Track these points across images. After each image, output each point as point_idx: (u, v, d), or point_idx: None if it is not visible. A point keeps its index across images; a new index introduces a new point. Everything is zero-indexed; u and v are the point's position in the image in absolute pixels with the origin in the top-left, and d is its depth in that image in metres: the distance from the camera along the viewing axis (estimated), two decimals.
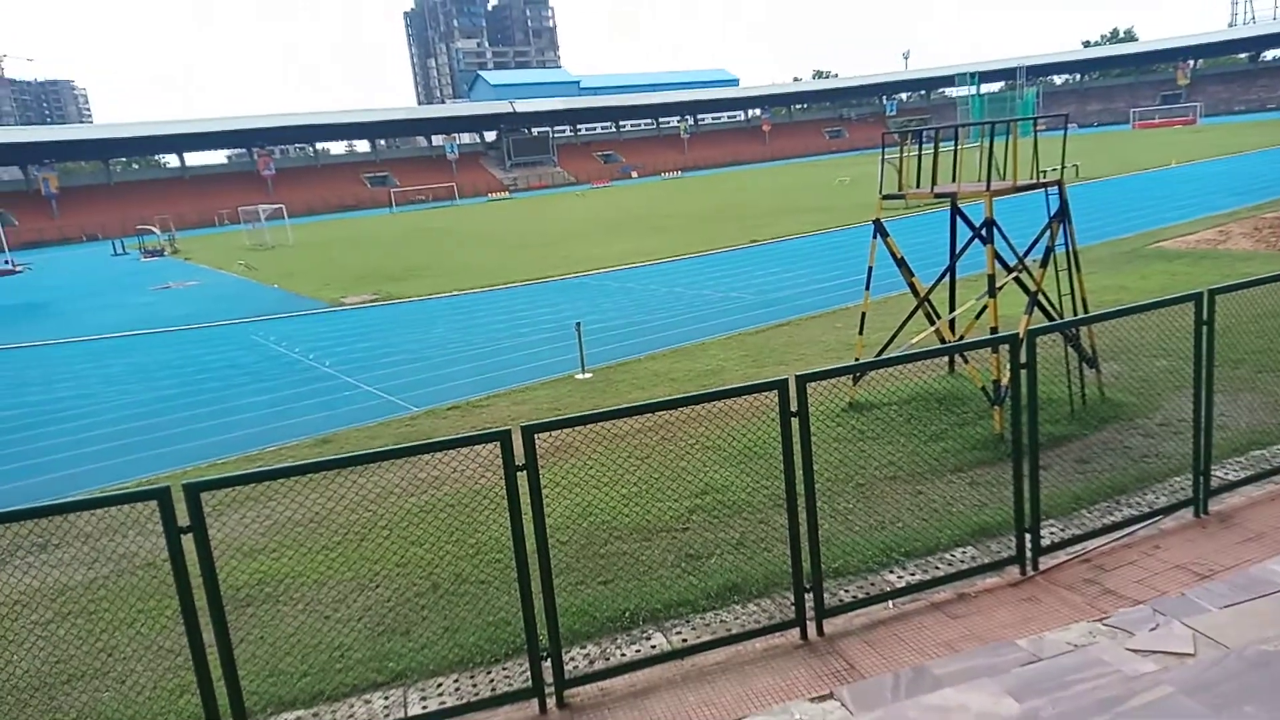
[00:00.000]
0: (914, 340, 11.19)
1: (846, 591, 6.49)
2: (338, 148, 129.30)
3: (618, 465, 9.13)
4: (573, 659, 5.83)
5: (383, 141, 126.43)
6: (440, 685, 5.79)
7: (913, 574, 6.69)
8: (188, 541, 4.88)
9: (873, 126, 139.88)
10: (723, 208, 51.78)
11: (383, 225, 69.06)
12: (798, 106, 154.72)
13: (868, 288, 11.43)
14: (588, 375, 14.90)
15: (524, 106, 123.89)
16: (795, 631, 5.97)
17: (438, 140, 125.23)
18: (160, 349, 22.58)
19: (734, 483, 8.54)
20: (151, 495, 4.81)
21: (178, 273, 44.80)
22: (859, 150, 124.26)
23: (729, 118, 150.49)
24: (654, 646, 5.96)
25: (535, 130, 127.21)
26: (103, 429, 14.88)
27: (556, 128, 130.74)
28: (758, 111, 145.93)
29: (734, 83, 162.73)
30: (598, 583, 6.90)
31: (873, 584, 6.60)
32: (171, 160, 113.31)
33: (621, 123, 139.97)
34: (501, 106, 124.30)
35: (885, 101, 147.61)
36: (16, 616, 7.58)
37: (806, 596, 5.96)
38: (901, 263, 11.09)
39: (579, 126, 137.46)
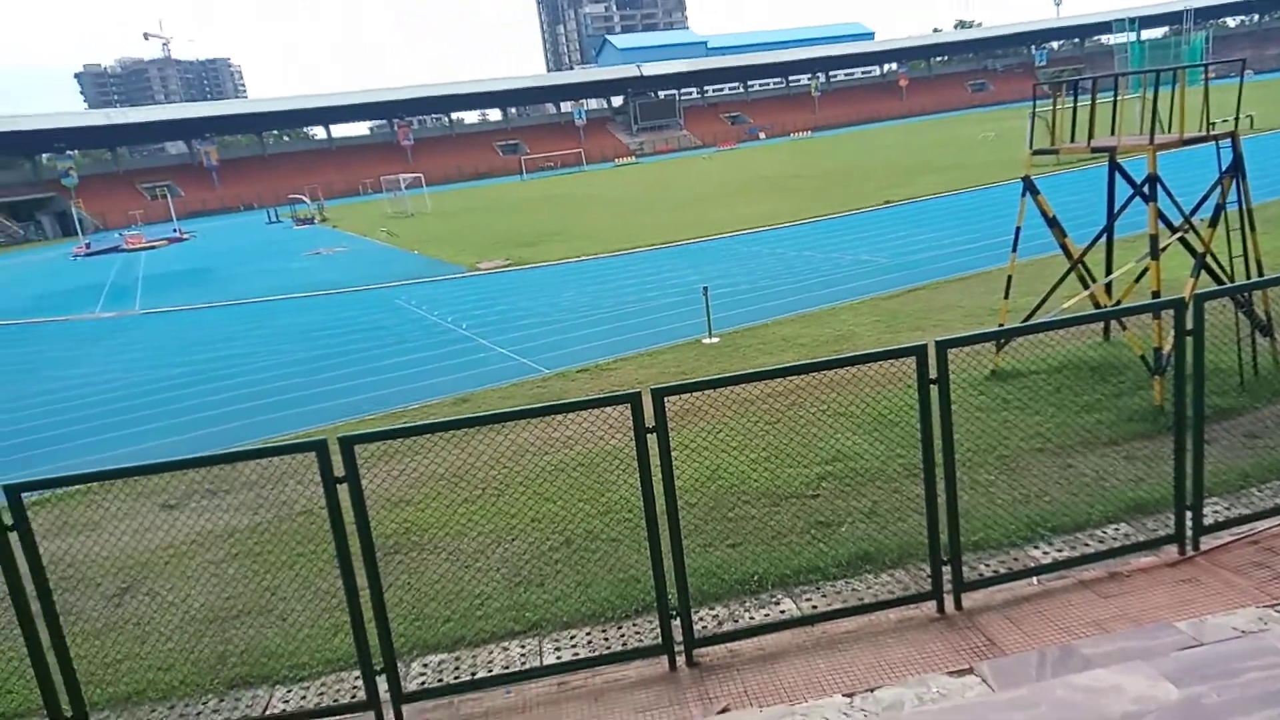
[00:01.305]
0: (1065, 305, 10.53)
1: (987, 566, 6.25)
2: (472, 117, 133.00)
3: (746, 430, 9.11)
4: (701, 619, 5.89)
5: (514, 110, 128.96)
6: (573, 637, 5.97)
7: (1059, 550, 6.36)
8: (342, 491, 5.18)
9: (1020, 79, 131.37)
10: (855, 168, 50.16)
11: (514, 192, 70.73)
12: (937, 60, 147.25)
13: (1015, 249, 10.83)
14: (715, 340, 14.85)
15: (650, 70, 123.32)
16: (931, 604, 5.81)
17: (566, 107, 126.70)
18: (312, 311, 24.05)
19: (866, 451, 8.34)
20: (310, 447, 5.13)
21: (326, 239, 47.41)
22: (1004, 104, 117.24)
23: (863, 74, 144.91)
24: (783, 612, 5.94)
25: (661, 93, 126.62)
26: (263, 385, 16.02)
27: (683, 90, 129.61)
28: (894, 66, 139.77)
29: (868, 37, 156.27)
30: (726, 545, 6.92)
31: (1015, 559, 6.33)
32: (319, 132, 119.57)
33: (749, 83, 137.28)
34: (628, 71, 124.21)
35: (1034, 51, 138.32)
36: (193, 555, 8.33)
37: (944, 569, 5.78)
38: (1053, 222, 10.43)
39: (706, 88, 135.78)
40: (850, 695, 4.60)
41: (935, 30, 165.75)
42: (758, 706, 4.80)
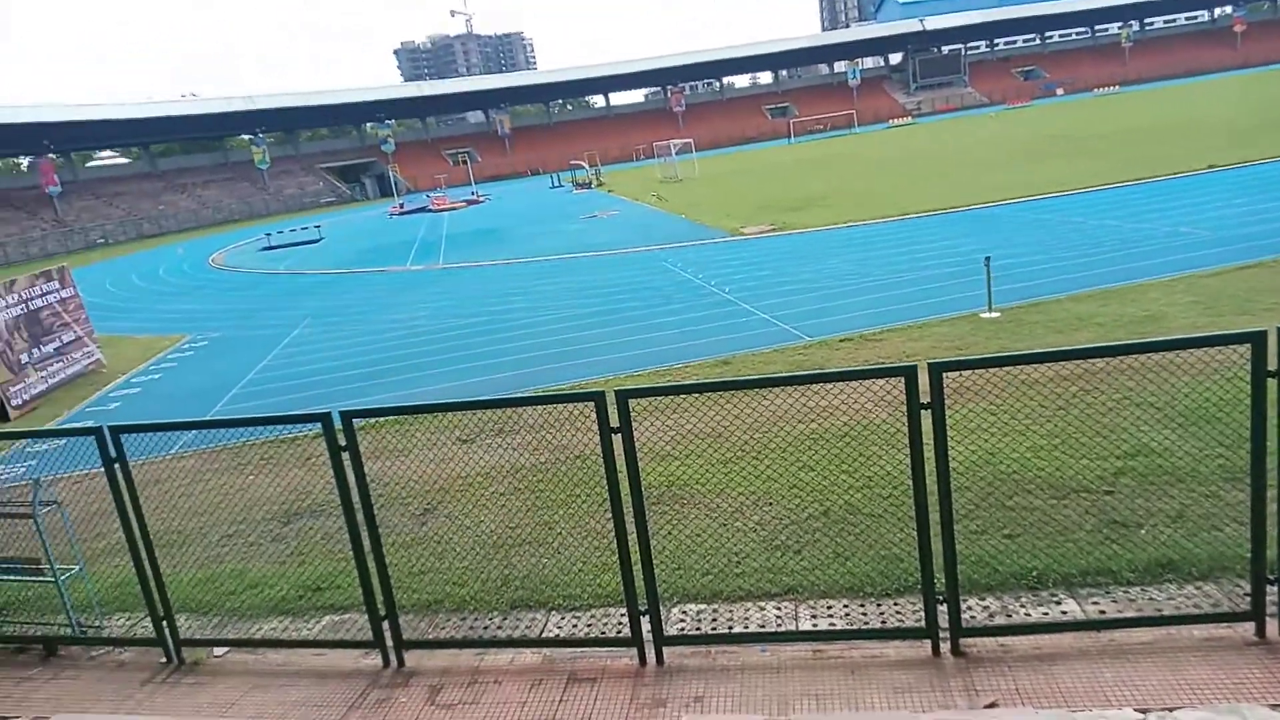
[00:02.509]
0: None
1: None
2: (742, 81, 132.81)
3: (1028, 414, 8.42)
4: (970, 608, 5.60)
5: (784, 72, 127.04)
6: (830, 607, 5.93)
7: None
8: (616, 441, 5.48)
9: None
10: (1172, 126, 44.00)
11: (781, 156, 69.97)
12: None
13: None
14: (995, 314, 13.83)
15: (935, 23, 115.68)
16: (1249, 626, 5.09)
17: (840, 67, 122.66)
18: (589, 271, 25.52)
19: (1175, 447, 7.41)
20: (589, 398, 5.47)
21: (602, 203, 49.90)
22: None
23: (1186, 19, 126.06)
24: (1064, 612, 5.48)
25: (945, 48, 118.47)
26: (544, 337, 17.32)
27: (969, 44, 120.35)
28: (1228, 9, 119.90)
29: None
30: (1001, 535, 6.49)
31: None
32: (599, 101, 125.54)
33: (1047, 34, 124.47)
34: (910, 25, 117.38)
35: None
36: (482, 486, 9.26)
37: (1269, 589, 5.03)
38: None
39: (996, 41, 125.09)
40: (1144, 711, 4.16)
41: None
42: (1032, 707, 4.49)
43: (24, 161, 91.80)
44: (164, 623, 6.55)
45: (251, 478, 10.38)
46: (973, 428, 8.04)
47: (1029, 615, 5.50)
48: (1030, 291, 15.08)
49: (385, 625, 6.10)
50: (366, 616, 6.15)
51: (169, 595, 6.57)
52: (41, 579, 7.04)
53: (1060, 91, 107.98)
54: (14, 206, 79.46)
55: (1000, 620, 5.47)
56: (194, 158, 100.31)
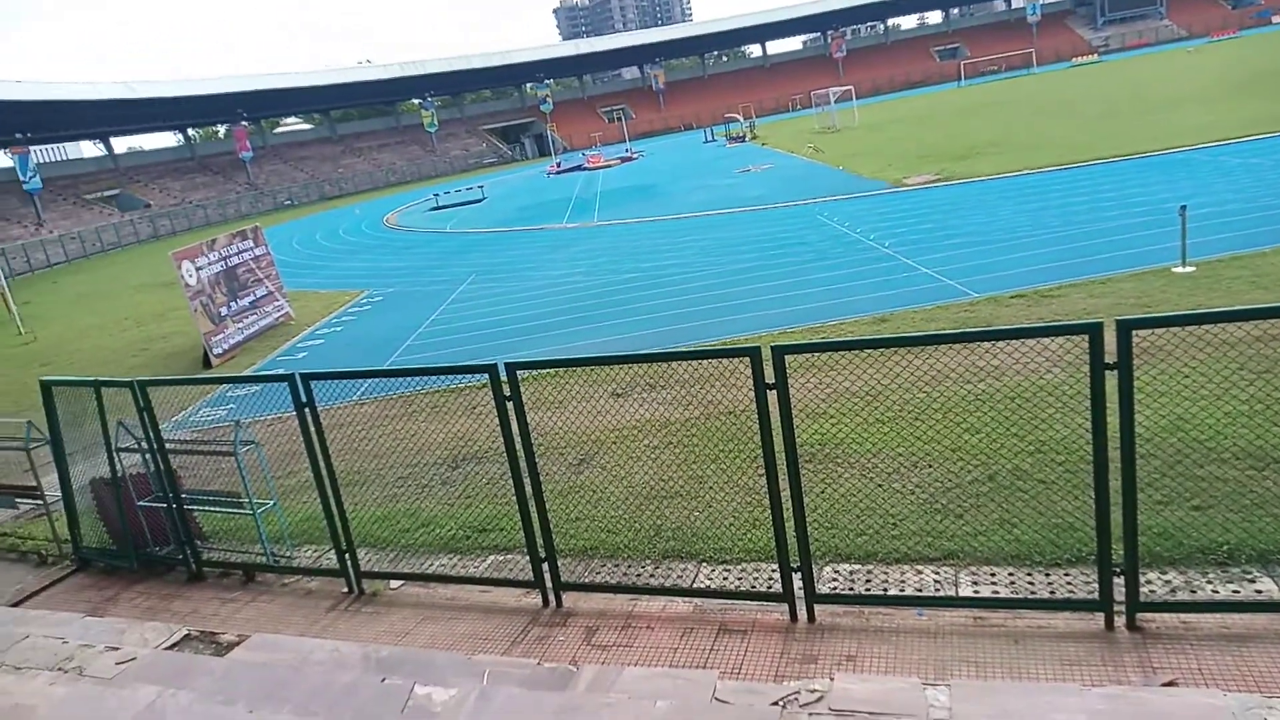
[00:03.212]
0: None
1: None
2: (909, 22, 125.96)
3: (1224, 378, 7.68)
4: (1150, 582, 5.23)
5: (956, 11, 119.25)
6: (993, 574, 5.70)
7: None
8: (771, 397, 5.44)
9: None
10: None
11: (949, 100, 66.06)
12: None
13: None
14: (1189, 269, 12.63)
15: None
16: None
17: (1018, 2, 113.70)
18: (741, 226, 25.24)
19: None
20: (744, 353, 5.43)
21: (755, 157, 49.02)
22: None
23: None
24: (1259, 591, 5.03)
25: None
26: (697, 293, 17.35)
27: None
28: None
29: None
30: (1189, 507, 6.00)
31: None
32: (755, 50, 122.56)
33: None
34: None
35: None
36: (635, 439, 9.46)
37: None
38: None
39: None
40: None
41: None
42: (1218, 689, 4.16)
43: (220, 129, 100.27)
44: (346, 555, 7.15)
45: (423, 424, 11.07)
46: (1161, 391, 7.40)
47: (1216, 592, 5.08)
48: (1231, 244, 13.64)
49: (545, 567, 6.40)
50: (528, 558, 6.47)
51: (351, 530, 7.16)
52: (241, 511, 7.84)
53: (1277, 19, 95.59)
54: (212, 171, 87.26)
55: (1183, 596, 5.09)
56: (369, 123, 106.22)
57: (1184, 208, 13.09)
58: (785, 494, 5.53)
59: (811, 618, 5.60)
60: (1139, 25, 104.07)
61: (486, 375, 6.11)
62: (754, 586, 6.05)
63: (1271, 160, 20.36)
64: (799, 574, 5.60)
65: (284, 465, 8.92)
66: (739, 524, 6.95)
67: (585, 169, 64.87)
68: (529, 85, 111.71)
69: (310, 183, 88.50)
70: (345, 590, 7.27)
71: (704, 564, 6.55)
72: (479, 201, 51.14)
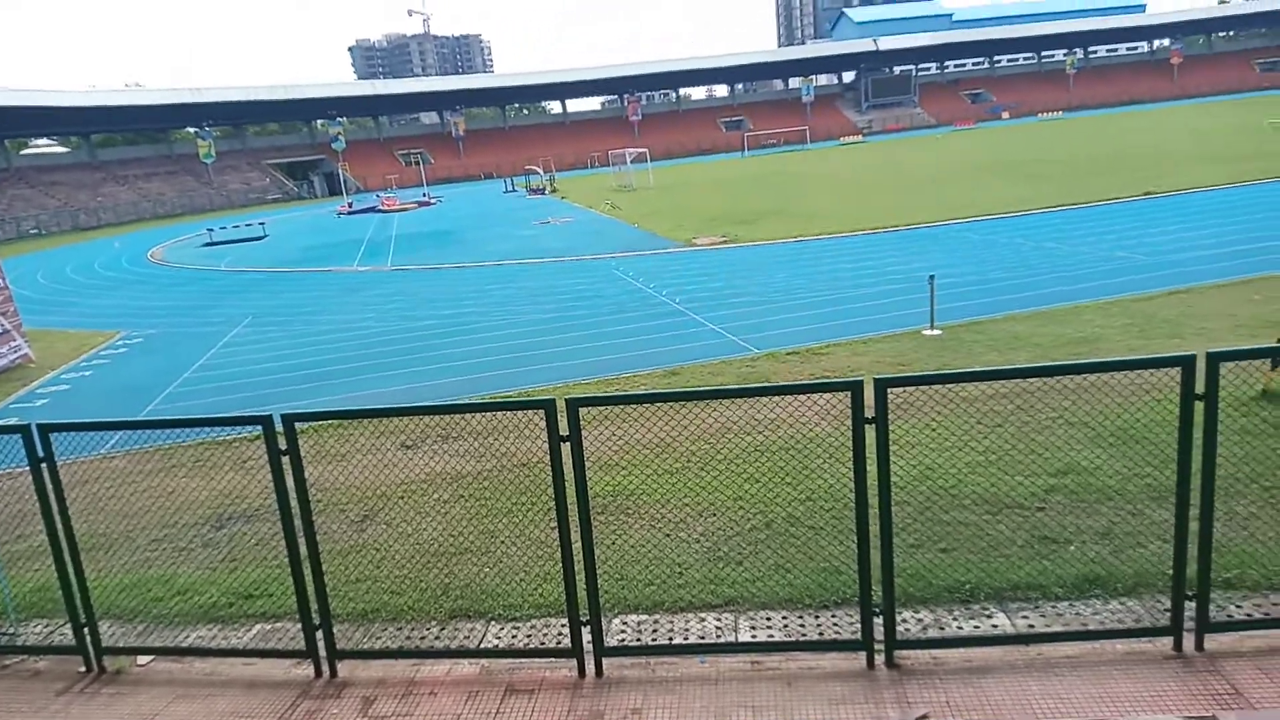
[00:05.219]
0: None
1: (1238, 608, 5.56)
2: (698, 93, 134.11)
3: (965, 430, 8.62)
4: (904, 621, 5.69)
5: (740, 86, 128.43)
6: (769, 619, 5.97)
7: None
8: (565, 449, 5.45)
9: None
10: (1113, 154, 45.53)
11: (734, 169, 70.63)
12: (1220, 35, 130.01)
13: None
14: (937, 332, 14.13)
15: (888, 44, 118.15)
16: (1167, 641, 5.26)
17: (795, 83, 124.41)
18: (540, 277, 25.42)
19: (1103, 466, 7.65)
20: (539, 405, 5.42)
21: (556, 209, 49.77)
22: None
23: (1128, 49, 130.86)
24: (995, 626, 5.60)
25: (898, 69, 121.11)
26: (495, 343, 17.18)
27: (921, 66, 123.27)
28: (1166, 42, 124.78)
29: (1139, 9, 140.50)
30: (937, 549, 6.61)
31: (1275, 605, 5.58)
32: (555, 107, 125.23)
33: (996, 58, 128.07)
34: (864, 45, 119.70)
35: None
36: (424, 493, 9.13)
37: (1187, 604, 5.20)
38: None
39: (946, 63, 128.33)
40: None
41: (1221, 2, 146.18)
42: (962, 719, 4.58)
43: None
44: (85, 629, 6.31)
45: (184, 480, 10.09)
46: (913, 443, 8.19)
47: (961, 629, 5.61)
48: (972, 310, 15.44)
49: (319, 634, 5.96)
50: (299, 625, 6.00)
51: (92, 601, 6.34)
52: None
53: (1006, 115, 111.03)
54: None
55: (933, 633, 5.57)
56: (137, 149, 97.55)
57: (932, 277, 14.71)
58: (578, 546, 5.53)
59: (600, 672, 5.59)
60: (896, 111, 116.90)
61: (260, 427, 5.68)
62: (543, 643, 5.96)
63: (1005, 237, 23.37)
64: (588, 628, 5.59)
65: (12, 529, 7.80)
66: (530, 579, 6.85)
67: (380, 211, 62.98)
68: (320, 122, 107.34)
69: (62, 211, 79.56)
70: (83, 669, 6.39)
71: (493, 622, 6.38)
72: (260, 239, 48.12)
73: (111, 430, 10.49)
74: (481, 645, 6.04)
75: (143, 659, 6.44)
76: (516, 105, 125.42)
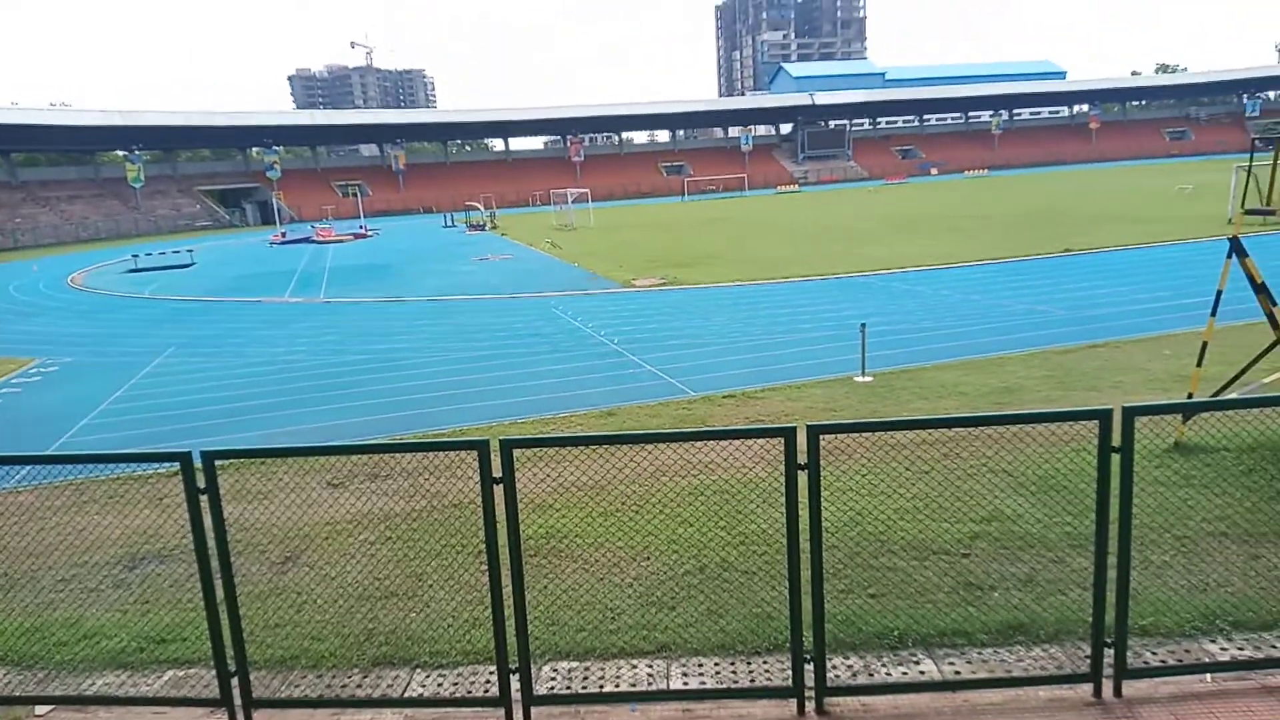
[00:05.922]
0: (1268, 380, 9.58)
1: (1154, 654, 5.74)
2: (641, 137, 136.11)
3: (893, 476, 8.80)
4: (835, 667, 5.71)
5: (682, 132, 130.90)
6: (701, 665, 5.93)
7: (1240, 649, 5.77)
8: (497, 491, 5.37)
9: (1226, 129, 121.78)
10: (1035, 211, 47.62)
11: (674, 212, 71.64)
12: (1134, 103, 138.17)
13: (1214, 313, 9.95)
14: (868, 379, 14.45)
15: (823, 99, 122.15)
16: (1088, 687, 5.40)
17: (734, 132, 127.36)
18: (477, 313, 25.22)
19: (1026, 514, 7.87)
20: (472, 445, 5.35)
21: (495, 246, 49.63)
22: (1206, 155, 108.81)
23: (1050, 113, 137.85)
24: (923, 673, 5.67)
25: (833, 123, 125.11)
26: (429, 379, 16.93)
27: (854, 121, 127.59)
28: (1084, 108, 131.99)
29: (1059, 76, 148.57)
30: (866, 594, 6.69)
31: (1187, 651, 5.78)
32: (498, 144, 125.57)
33: (925, 117, 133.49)
34: (800, 99, 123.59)
35: (1245, 101, 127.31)
36: (350, 534, 8.87)
37: (1106, 651, 5.36)
38: (1262, 288, 9.51)
39: (879, 120, 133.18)
40: None
41: (1134, 74, 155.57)
42: None
43: None
44: None
45: (96, 517, 9.61)
46: (844, 488, 8.31)
47: (889, 675, 5.66)
48: (901, 359, 15.84)
49: (234, 682, 5.71)
50: (214, 672, 5.73)
51: None
52: None
53: (934, 171, 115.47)
54: None
55: (862, 680, 5.61)
56: (60, 169, 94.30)
57: (864, 325, 15.08)
58: (509, 590, 5.43)
59: None
60: (831, 164, 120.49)
61: (178, 464, 5.47)
62: (470, 691, 5.81)
63: (933, 288, 24.12)
64: (517, 675, 5.47)
65: None
66: (458, 624, 6.68)
67: (314, 241, 61.90)
68: (255, 149, 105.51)
69: None
70: None
71: (418, 669, 6.19)
72: (187, 266, 46.79)
73: (15, 465, 9.99)
74: (405, 694, 5.85)
75: (41, 709, 6.06)
76: (459, 141, 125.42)
